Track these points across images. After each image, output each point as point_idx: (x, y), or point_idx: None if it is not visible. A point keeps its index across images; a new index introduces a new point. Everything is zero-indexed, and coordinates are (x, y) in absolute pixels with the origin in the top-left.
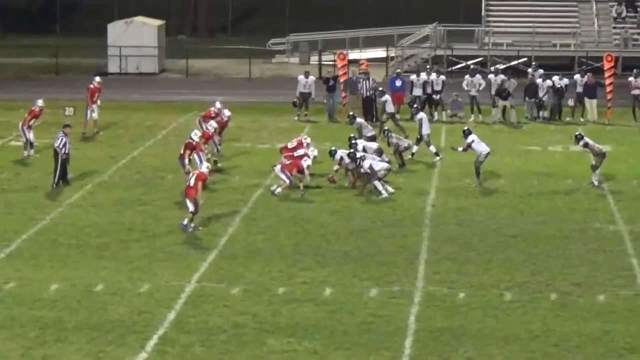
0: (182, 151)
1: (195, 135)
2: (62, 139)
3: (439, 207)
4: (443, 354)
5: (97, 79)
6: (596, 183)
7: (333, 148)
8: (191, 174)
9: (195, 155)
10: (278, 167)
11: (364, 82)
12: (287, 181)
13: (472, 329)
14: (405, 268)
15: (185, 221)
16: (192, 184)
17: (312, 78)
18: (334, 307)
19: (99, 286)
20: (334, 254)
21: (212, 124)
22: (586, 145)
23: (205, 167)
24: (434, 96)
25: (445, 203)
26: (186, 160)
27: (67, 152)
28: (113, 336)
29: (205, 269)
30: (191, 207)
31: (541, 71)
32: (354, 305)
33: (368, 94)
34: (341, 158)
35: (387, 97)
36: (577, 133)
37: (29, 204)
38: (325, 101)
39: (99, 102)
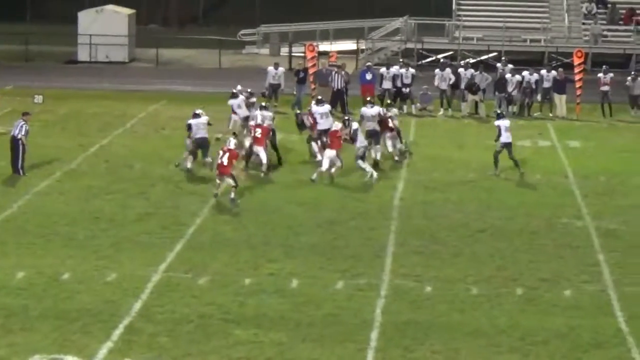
0: None
1: None
2: (24, 127)
3: (407, 200)
4: (409, 347)
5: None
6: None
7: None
8: (221, 153)
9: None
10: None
11: (336, 75)
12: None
13: (438, 323)
14: (372, 261)
15: (233, 194)
16: (225, 163)
17: (281, 69)
18: (301, 299)
19: (66, 274)
20: (301, 245)
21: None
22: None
23: (233, 144)
24: (404, 89)
25: (413, 196)
26: None
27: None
28: (79, 325)
29: (172, 259)
30: (232, 182)
31: (511, 66)
32: (320, 298)
33: (339, 87)
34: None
35: (356, 124)
36: (499, 111)
37: None
38: (294, 92)
39: None
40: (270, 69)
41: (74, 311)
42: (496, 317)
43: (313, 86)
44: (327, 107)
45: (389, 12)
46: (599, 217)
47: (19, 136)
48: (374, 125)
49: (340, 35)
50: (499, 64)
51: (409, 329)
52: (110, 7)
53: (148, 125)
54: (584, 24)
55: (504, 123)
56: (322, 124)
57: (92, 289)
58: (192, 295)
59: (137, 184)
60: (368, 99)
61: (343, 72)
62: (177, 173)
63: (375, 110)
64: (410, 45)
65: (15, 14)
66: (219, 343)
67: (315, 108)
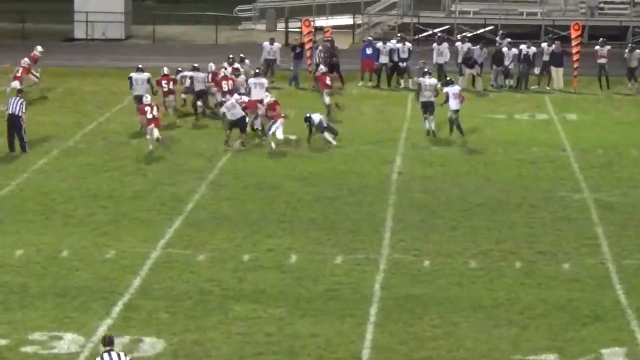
0: None
1: None
2: (23, 104)
3: (405, 174)
4: (408, 322)
5: (39, 48)
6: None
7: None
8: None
9: None
10: None
11: (315, 50)
12: None
13: (437, 297)
14: (371, 235)
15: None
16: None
17: (277, 45)
18: (300, 274)
19: (64, 252)
20: (300, 221)
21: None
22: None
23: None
24: (400, 64)
25: (411, 171)
26: None
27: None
28: (78, 302)
29: (170, 236)
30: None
31: (508, 40)
32: (319, 273)
33: (317, 61)
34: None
35: (320, 117)
36: (448, 79)
37: None
38: (291, 68)
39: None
40: (266, 44)
41: (73, 288)
42: (495, 290)
43: (309, 62)
44: (262, 79)
45: None
46: (597, 190)
47: (19, 113)
48: (430, 95)
49: (336, 10)
50: (497, 38)
51: (408, 303)
52: None
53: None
54: None
55: (452, 90)
56: (255, 94)
57: (91, 266)
58: (191, 271)
59: (135, 161)
60: (425, 69)
61: (319, 49)
62: (174, 150)
63: (432, 80)
64: (406, 20)
65: None
66: (218, 319)
67: (251, 79)
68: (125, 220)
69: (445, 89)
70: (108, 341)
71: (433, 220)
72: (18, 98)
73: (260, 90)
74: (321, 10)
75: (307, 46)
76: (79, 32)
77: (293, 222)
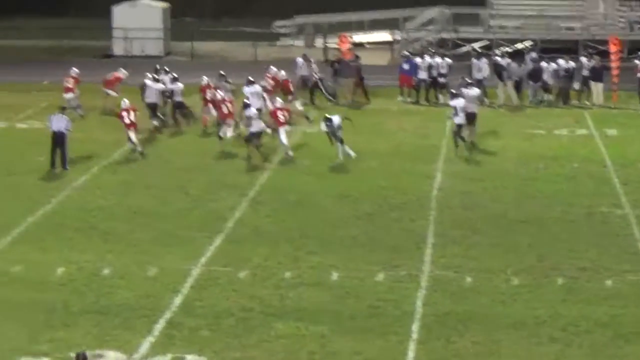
0: None
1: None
2: (68, 122)
3: (445, 190)
4: (450, 339)
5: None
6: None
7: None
8: None
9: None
10: None
11: (305, 64)
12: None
13: (479, 314)
14: (412, 252)
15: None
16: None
17: (310, 60)
18: (341, 291)
19: (106, 270)
20: (341, 238)
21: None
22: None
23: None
24: (440, 79)
25: (452, 187)
26: None
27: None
28: (120, 320)
29: (212, 253)
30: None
31: (534, 54)
32: (361, 290)
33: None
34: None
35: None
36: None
37: (35, 186)
38: (329, 83)
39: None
40: (299, 60)
41: (115, 306)
42: (537, 307)
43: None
44: (257, 87)
45: (423, 2)
46: (638, 206)
47: (64, 130)
48: (473, 107)
49: (375, 26)
50: (532, 53)
51: (450, 320)
52: (144, 1)
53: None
54: (619, 11)
55: (458, 103)
56: (254, 104)
57: (132, 283)
58: (233, 289)
59: (176, 178)
60: (467, 80)
61: (313, 63)
62: (215, 167)
63: (476, 91)
64: (445, 35)
65: (50, 9)
66: (260, 337)
67: (246, 88)
68: (167, 238)
69: (452, 102)
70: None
71: (474, 236)
72: (62, 115)
73: (257, 99)
74: (359, 26)
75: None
76: (118, 49)
77: (334, 239)
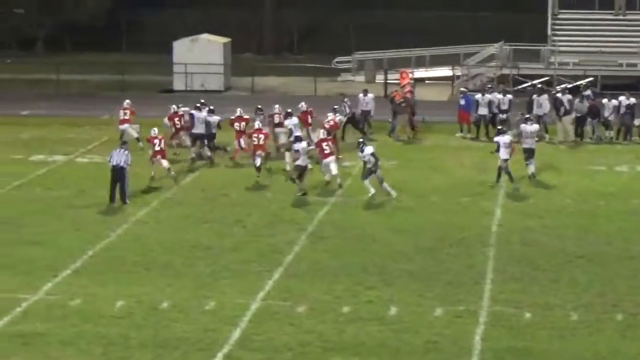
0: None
1: None
2: (129, 156)
3: (505, 226)
4: None
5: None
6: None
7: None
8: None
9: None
10: None
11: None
12: None
13: (538, 350)
14: (471, 287)
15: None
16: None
17: (370, 95)
18: (399, 326)
19: (164, 303)
20: (400, 272)
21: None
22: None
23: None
24: (501, 115)
25: (511, 222)
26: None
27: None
28: (178, 354)
29: (270, 287)
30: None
31: (589, 91)
32: (419, 325)
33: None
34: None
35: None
36: (499, 127)
37: (95, 220)
38: (389, 120)
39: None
40: (360, 96)
41: (174, 340)
42: (596, 343)
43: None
44: (295, 120)
45: (484, 39)
46: None
47: (124, 165)
48: (531, 142)
49: (435, 61)
50: (588, 91)
51: (509, 356)
52: (205, 36)
53: (244, 154)
54: None
55: (503, 140)
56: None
57: (191, 317)
58: (291, 323)
59: (234, 212)
60: (527, 116)
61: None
62: (273, 201)
63: (534, 127)
64: (505, 71)
65: (110, 44)
66: None
67: (285, 121)
68: (225, 272)
69: (496, 139)
70: None
71: (533, 272)
72: (123, 149)
73: (296, 132)
74: (420, 62)
75: (407, 97)
76: (178, 84)
77: (392, 273)
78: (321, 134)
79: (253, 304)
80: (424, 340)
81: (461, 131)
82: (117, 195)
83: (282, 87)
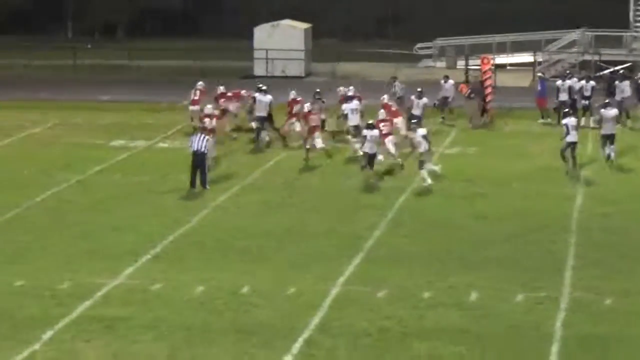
0: None
1: None
2: (207, 140)
3: (586, 212)
4: None
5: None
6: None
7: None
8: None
9: None
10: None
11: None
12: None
13: (620, 336)
14: (552, 274)
15: None
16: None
17: (450, 82)
18: (480, 312)
19: (245, 288)
20: (480, 258)
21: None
22: None
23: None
24: (584, 102)
25: (592, 209)
26: None
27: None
28: (259, 339)
29: (350, 273)
30: None
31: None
32: (499, 310)
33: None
34: None
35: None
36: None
37: (175, 205)
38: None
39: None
40: (441, 82)
41: (254, 325)
42: None
43: (489, 98)
44: (355, 104)
45: (566, 24)
46: None
47: (204, 150)
48: (611, 128)
49: (517, 47)
50: None
51: (590, 342)
52: (286, 22)
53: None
54: None
55: (570, 121)
56: (352, 120)
57: (271, 302)
58: (371, 309)
59: (314, 198)
60: (606, 101)
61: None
62: (353, 186)
63: (614, 111)
64: (587, 57)
65: (191, 30)
66: (398, 357)
67: (344, 105)
68: (305, 257)
69: (564, 121)
70: None
71: (614, 258)
72: (203, 135)
73: (355, 116)
74: (501, 48)
75: (486, 83)
76: (259, 70)
77: (473, 259)
78: (380, 116)
79: (333, 290)
80: (505, 326)
81: (542, 117)
82: (198, 181)
83: (363, 73)
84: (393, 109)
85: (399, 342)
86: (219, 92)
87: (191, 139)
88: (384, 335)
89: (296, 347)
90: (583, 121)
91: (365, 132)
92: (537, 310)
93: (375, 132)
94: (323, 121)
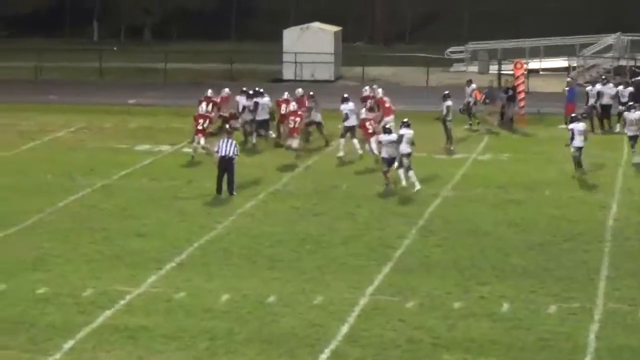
0: None
1: None
2: (236, 147)
3: (621, 221)
4: None
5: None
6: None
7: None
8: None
9: None
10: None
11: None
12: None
13: None
14: (585, 284)
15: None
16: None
17: (473, 86)
18: (512, 322)
19: (271, 297)
20: (512, 268)
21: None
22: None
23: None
24: (620, 107)
25: (628, 217)
26: None
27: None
28: (284, 349)
29: (379, 282)
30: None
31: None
32: (531, 321)
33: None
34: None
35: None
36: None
37: (201, 211)
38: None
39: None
40: (466, 87)
41: (280, 335)
42: None
43: (522, 103)
44: (351, 105)
45: (600, 29)
46: None
47: (232, 155)
48: (635, 130)
49: (550, 52)
50: None
51: (624, 354)
52: (315, 25)
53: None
54: None
55: (577, 127)
56: (350, 121)
57: (297, 312)
58: (400, 319)
59: (344, 205)
60: (630, 103)
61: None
62: (384, 193)
63: (637, 114)
64: (622, 62)
65: (220, 33)
66: None
67: (342, 106)
68: (333, 266)
69: (571, 126)
70: None
71: None
72: (230, 140)
73: (354, 117)
74: (534, 53)
75: (519, 88)
76: (288, 73)
77: (505, 269)
78: (364, 114)
79: (361, 299)
80: (537, 337)
81: (565, 123)
82: (224, 187)
83: (393, 77)
84: (387, 105)
85: (428, 353)
86: (207, 95)
87: (218, 144)
88: (413, 346)
89: (323, 358)
90: (618, 127)
91: (381, 137)
92: (570, 322)
93: (393, 136)
94: (318, 123)
